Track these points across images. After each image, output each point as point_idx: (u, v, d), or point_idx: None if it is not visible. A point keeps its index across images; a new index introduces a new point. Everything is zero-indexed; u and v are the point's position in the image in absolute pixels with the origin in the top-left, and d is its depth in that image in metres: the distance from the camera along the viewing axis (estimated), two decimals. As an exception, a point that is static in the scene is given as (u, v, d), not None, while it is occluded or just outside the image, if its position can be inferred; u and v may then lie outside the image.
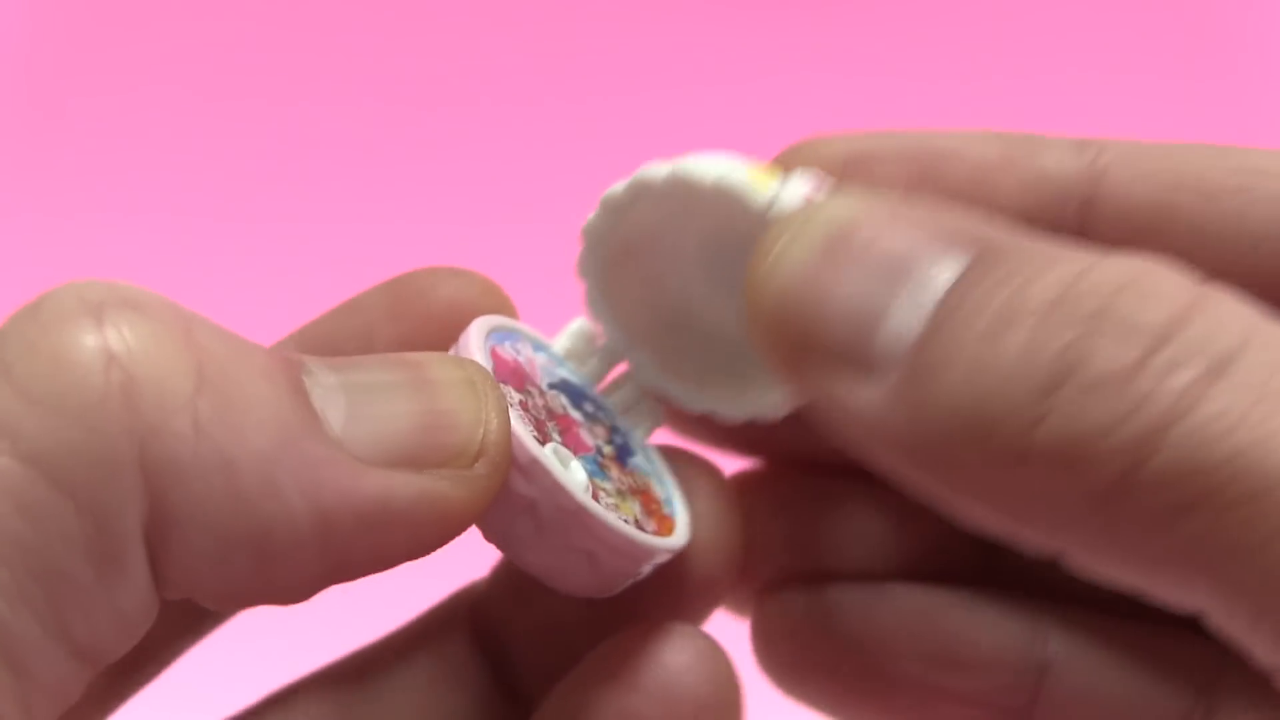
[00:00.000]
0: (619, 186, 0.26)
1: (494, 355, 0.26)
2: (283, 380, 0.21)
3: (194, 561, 0.20)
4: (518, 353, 0.27)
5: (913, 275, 0.21)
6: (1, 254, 0.65)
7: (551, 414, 0.26)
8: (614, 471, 0.27)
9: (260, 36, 0.74)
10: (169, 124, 0.70)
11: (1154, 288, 0.20)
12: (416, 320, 0.27)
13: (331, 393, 0.22)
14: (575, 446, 0.26)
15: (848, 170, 0.26)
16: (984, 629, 0.27)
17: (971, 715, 0.28)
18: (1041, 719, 0.27)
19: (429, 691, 0.28)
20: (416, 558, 0.23)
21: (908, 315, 0.21)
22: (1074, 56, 0.73)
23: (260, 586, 0.21)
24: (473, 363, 0.24)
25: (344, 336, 0.27)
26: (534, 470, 0.24)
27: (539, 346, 0.28)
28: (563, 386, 0.27)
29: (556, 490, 0.24)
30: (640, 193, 0.26)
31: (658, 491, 0.27)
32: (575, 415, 0.27)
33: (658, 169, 0.26)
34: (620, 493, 0.26)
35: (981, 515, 0.21)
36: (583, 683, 0.26)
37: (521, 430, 0.24)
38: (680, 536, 0.26)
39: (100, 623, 0.20)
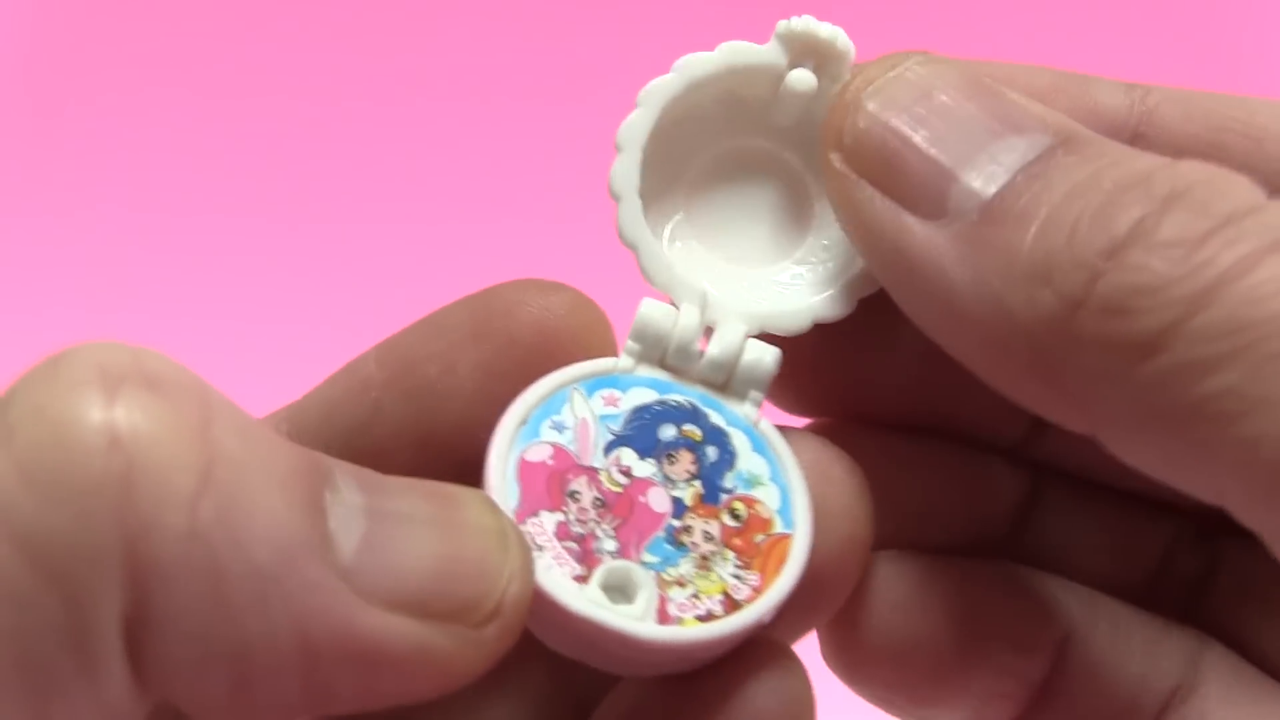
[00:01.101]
0: (629, 119, 0.26)
1: (522, 470, 0.24)
2: (300, 493, 0.20)
3: (170, 667, 0.19)
4: (561, 430, 0.24)
5: (997, 139, 0.22)
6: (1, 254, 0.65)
7: (606, 506, 0.24)
8: (697, 528, 0.24)
9: (261, 38, 0.72)
10: (169, 125, 0.69)
11: (1227, 185, 0.20)
12: (500, 343, 0.25)
13: (353, 515, 0.20)
14: (641, 532, 0.24)
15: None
16: (1029, 602, 0.27)
17: (1002, 687, 0.27)
18: (1055, 689, 0.27)
19: None
20: (410, 703, 0.21)
21: (987, 172, 0.22)
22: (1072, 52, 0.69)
23: (238, 705, 0.20)
24: (505, 516, 0.23)
25: (424, 358, 0.25)
26: (578, 625, 0.22)
27: (599, 383, 0.25)
28: (629, 431, 0.25)
29: (607, 635, 0.22)
30: (653, 111, 0.26)
31: (766, 504, 0.24)
32: (644, 471, 0.24)
33: (661, 80, 0.26)
34: (703, 561, 0.23)
35: (1019, 375, 0.22)
36: (635, 686, 0.25)
37: (557, 584, 0.23)
38: (789, 576, 0.24)
39: (83, 715, 0.19)
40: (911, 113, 0.23)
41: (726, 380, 0.25)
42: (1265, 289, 0.19)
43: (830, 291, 0.26)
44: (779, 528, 0.24)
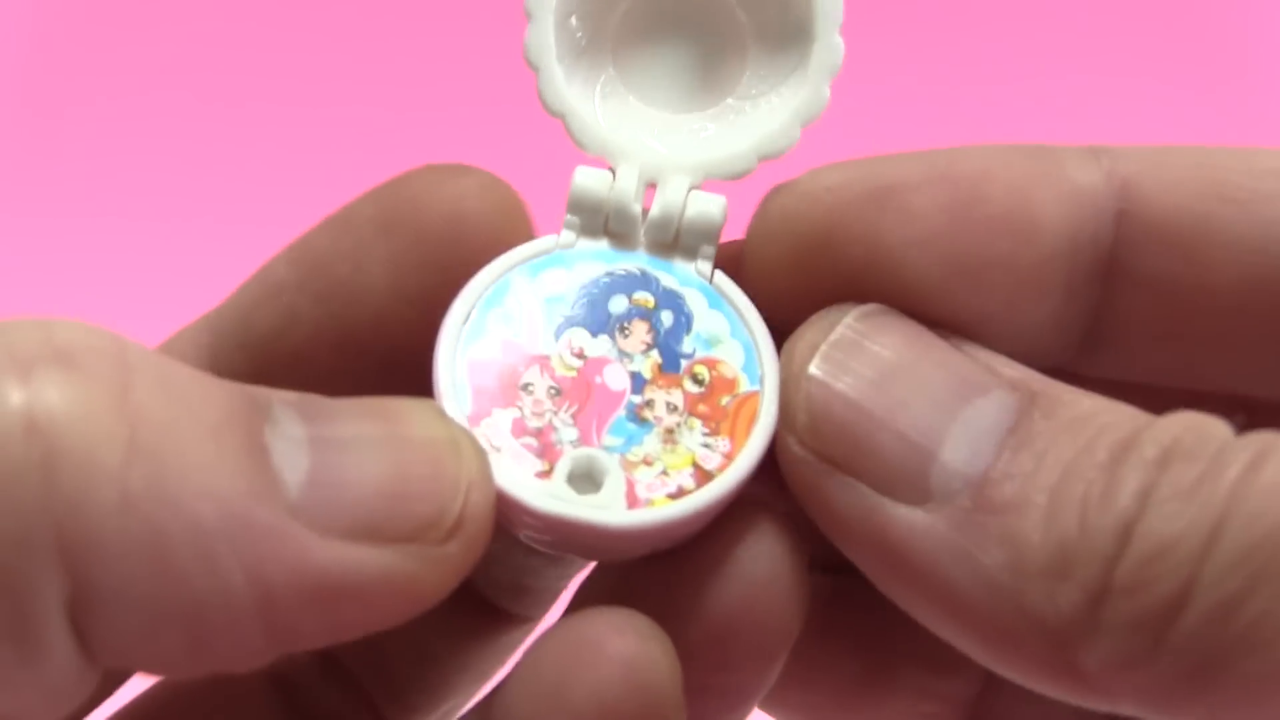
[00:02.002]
0: None
1: (472, 371, 0.23)
2: (236, 438, 0.19)
3: (120, 639, 0.19)
4: (508, 321, 0.23)
5: (965, 404, 0.21)
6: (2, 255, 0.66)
7: (561, 393, 0.23)
8: (659, 400, 0.23)
9: (262, 39, 0.72)
10: (168, 126, 0.70)
11: (1208, 428, 0.20)
12: (409, 235, 0.24)
13: (295, 448, 0.20)
14: (601, 415, 0.23)
15: (877, 203, 0.23)
16: None
17: (925, 708, 0.27)
18: (990, 708, 0.27)
19: None
20: (377, 631, 0.21)
21: (967, 446, 0.21)
22: (1065, 62, 0.70)
23: (199, 660, 0.20)
24: (458, 423, 0.22)
25: (334, 257, 0.24)
26: (546, 523, 0.22)
27: (542, 264, 0.24)
28: (579, 310, 0.24)
29: (577, 528, 0.22)
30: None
31: (729, 363, 0.23)
32: (598, 350, 0.23)
33: None
34: (669, 434, 0.23)
35: (1032, 666, 0.20)
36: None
37: (518, 484, 0.22)
38: (760, 435, 0.23)
39: (25, 696, 0.19)
40: (868, 381, 0.22)
41: (674, 239, 0.25)
42: (1261, 506, 0.19)
43: (773, 126, 0.25)
44: (745, 386, 0.23)
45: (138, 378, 0.19)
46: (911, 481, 0.21)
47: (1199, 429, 0.20)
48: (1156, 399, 0.26)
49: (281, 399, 0.21)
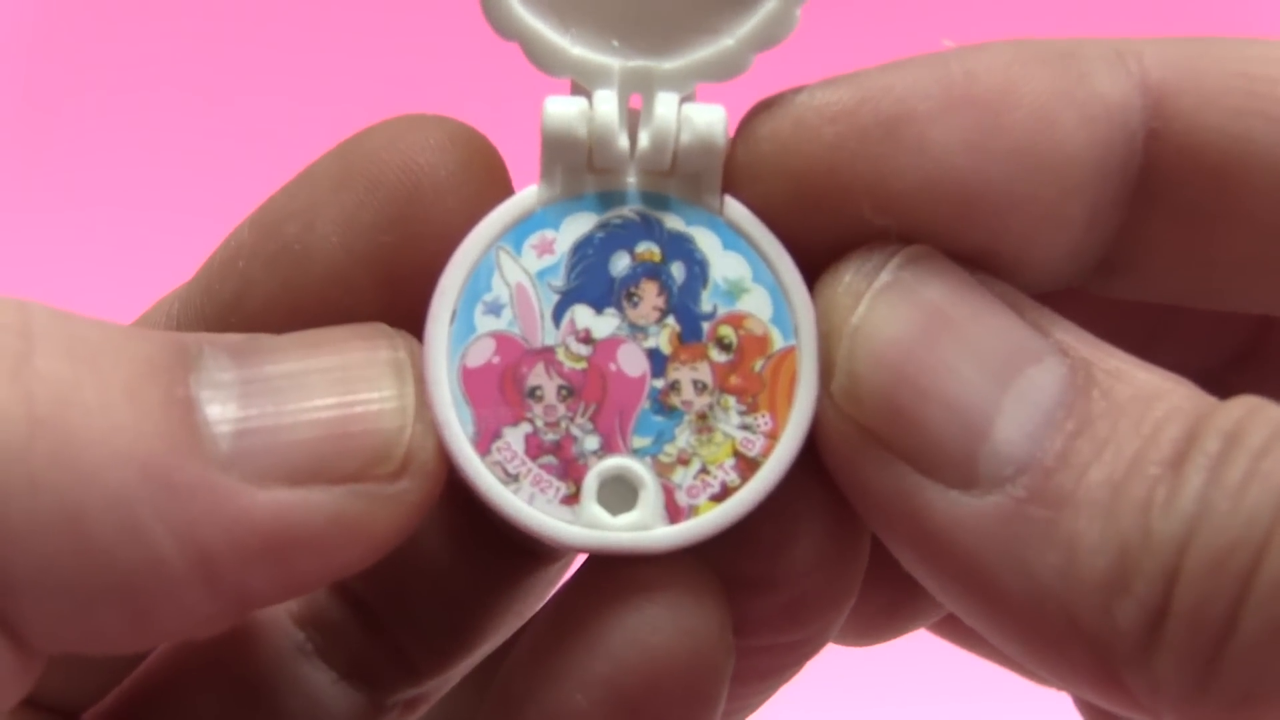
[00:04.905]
0: None
1: (468, 382, 0.20)
2: (154, 394, 0.18)
3: (54, 624, 0.18)
4: (498, 312, 0.20)
5: (1019, 374, 0.19)
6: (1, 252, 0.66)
7: (574, 392, 0.20)
8: (684, 380, 0.20)
9: (266, 34, 0.71)
10: (168, 124, 0.69)
11: (1262, 415, 0.18)
12: (363, 189, 0.21)
13: (224, 394, 0.19)
14: (623, 411, 0.20)
15: (889, 138, 0.20)
16: None
17: (941, 610, 0.26)
18: None
19: None
20: (339, 578, 0.20)
21: (1021, 426, 0.19)
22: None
23: (146, 634, 0.19)
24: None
25: (286, 216, 0.22)
26: (585, 550, 0.20)
27: (525, 229, 0.21)
28: (576, 281, 0.21)
29: (619, 553, 0.20)
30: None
31: (757, 316, 0.20)
32: (606, 329, 0.20)
33: None
34: (702, 421, 0.20)
35: (1074, 675, 0.19)
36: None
37: (544, 519, 0.20)
38: (804, 402, 0.20)
39: None
40: (916, 340, 0.19)
41: (671, 167, 0.21)
42: None
43: (768, 5, 0.21)
44: (779, 343, 0.20)
45: (39, 343, 0.18)
46: (957, 462, 0.19)
47: (1256, 415, 0.18)
48: (1169, 316, 0.24)
49: (212, 342, 0.19)
